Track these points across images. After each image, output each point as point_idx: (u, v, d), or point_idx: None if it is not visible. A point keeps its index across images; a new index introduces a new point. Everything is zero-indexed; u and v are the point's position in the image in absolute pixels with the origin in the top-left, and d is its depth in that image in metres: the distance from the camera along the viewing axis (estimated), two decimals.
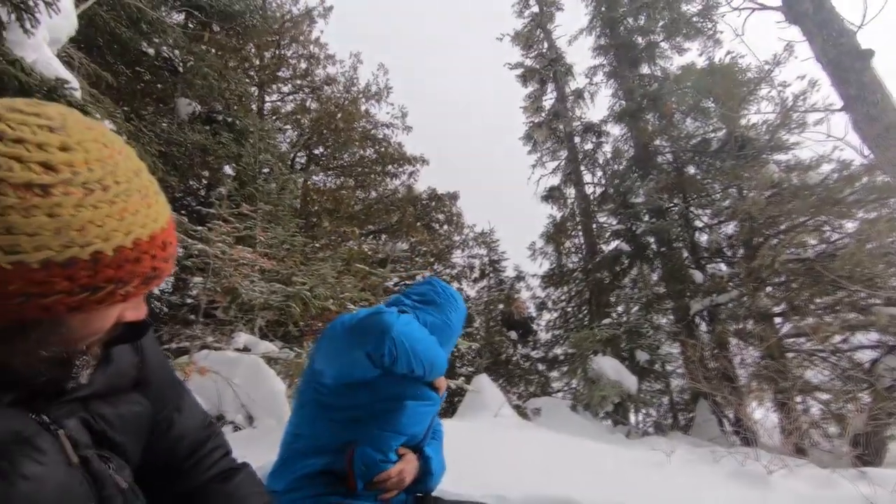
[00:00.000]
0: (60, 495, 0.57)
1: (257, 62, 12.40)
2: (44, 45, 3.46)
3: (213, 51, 8.93)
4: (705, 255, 10.16)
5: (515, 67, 13.51)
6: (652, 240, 10.67)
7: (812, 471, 3.70)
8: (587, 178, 12.83)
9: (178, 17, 8.25)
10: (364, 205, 14.22)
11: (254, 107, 11.67)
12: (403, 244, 13.66)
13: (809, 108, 8.24)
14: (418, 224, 13.94)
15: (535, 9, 13.59)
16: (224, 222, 5.57)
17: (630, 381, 8.15)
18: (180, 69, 7.88)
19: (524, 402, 9.01)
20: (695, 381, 6.46)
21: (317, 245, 9.01)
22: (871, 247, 6.60)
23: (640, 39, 12.11)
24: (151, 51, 7.39)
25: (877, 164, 6.17)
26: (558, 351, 12.08)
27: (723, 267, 9.99)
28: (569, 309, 12.83)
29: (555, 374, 11.84)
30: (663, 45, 11.97)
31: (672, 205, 10.38)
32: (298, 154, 13.61)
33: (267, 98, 13.05)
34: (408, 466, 1.40)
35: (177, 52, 7.70)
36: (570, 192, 12.99)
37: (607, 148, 12.78)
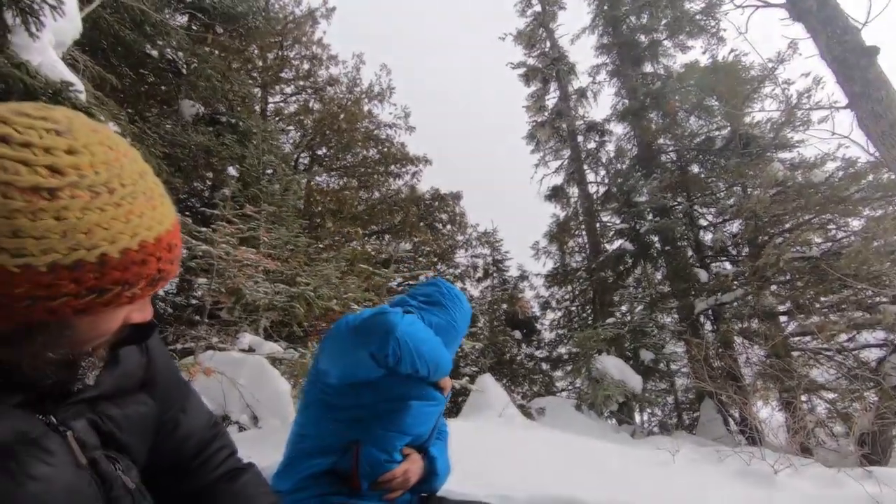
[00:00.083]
0: (69, 496, 0.57)
1: (260, 63, 12.43)
2: (49, 48, 3.48)
3: (217, 52, 8.96)
4: (710, 253, 10.12)
5: (518, 67, 13.51)
6: (656, 239, 10.63)
7: (818, 470, 3.68)
8: (590, 177, 12.82)
9: (182, 20, 8.29)
10: (367, 205, 14.24)
11: (257, 108, 11.71)
12: (407, 244, 13.66)
13: (814, 105, 8.20)
14: (421, 224, 13.94)
15: (538, 8, 13.57)
16: (228, 223, 5.59)
17: (634, 381, 8.13)
18: (184, 71, 7.91)
19: (528, 401, 8.99)
20: (700, 380, 6.43)
21: (320, 245, 9.02)
22: (877, 245, 6.55)
23: (642, 38, 12.07)
24: (155, 53, 7.42)
25: (882, 162, 6.12)
26: (562, 350, 12.07)
27: (727, 265, 9.95)
28: (573, 308, 12.81)
29: (559, 373, 11.82)
30: (666, 43, 11.92)
31: (676, 203, 10.34)
32: (302, 155, 13.63)
33: (270, 99, 13.08)
34: (413, 466, 1.40)
35: (180, 54, 7.73)
36: (574, 191, 12.98)
37: (610, 147, 12.77)
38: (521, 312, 12.39)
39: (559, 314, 12.96)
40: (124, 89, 6.88)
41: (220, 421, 0.97)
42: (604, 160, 12.86)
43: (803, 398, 7.05)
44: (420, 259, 13.49)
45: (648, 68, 12.16)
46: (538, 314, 13.02)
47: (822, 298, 7.55)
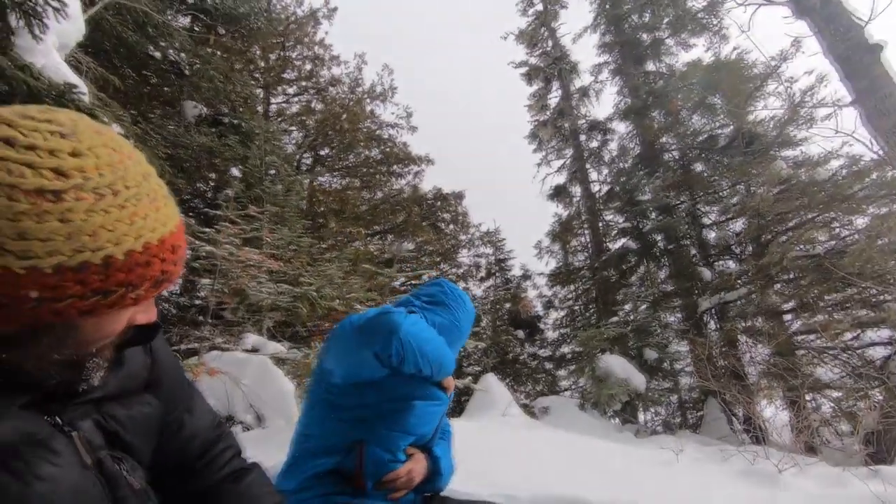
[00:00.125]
0: (75, 496, 0.57)
1: (262, 64, 12.45)
2: (52, 50, 3.50)
3: (219, 53, 8.98)
4: (713, 252, 10.09)
5: (520, 66, 13.50)
6: (659, 237, 10.61)
7: (823, 469, 3.67)
8: (593, 176, 12.80)
9: (184, 21, 8.31)
10: (370, 205, 14.25)
11: (259, 109, 11.73)
12: (409, 244, 13.67)
13: (818, 103, 8.17)
14: (424, 224, 13.94)
15: (539, 7, 13.56)
16: (231, 224, 5.61)
17: (638, 380, 8.11)
18: (186, 72, 7.93)
19: (532, 400, 8.99)
20: (704, 379, 6.41)
21: (323, 246, 9.03)
22: (882, 243, 6.52)
23: (645, 36, 12.04)
24: (158, 54, 7.44)
25: (887, 159, 6.10)
26: (566, 349, 12.05)
27: (731, 264, 9.92)
28: (576, 307, 12.79)
29: (562, 372, 11.81)
30: (669, 41, 11.89)
31: (679, 202, 10.31)
32: (304, 155, 13.65)
33: (272, 100, 13.10)
34: (417, 466, 1.40)
35: (183, 55, 7.75)
36: (576, 190, 12.96)
37: (613, 146, 12.74)
38: (524, 312, 12.39)
39: (562, 313, 12.95)
40: (127, 91, 6.90)
41: (225, 421, 0.97)
42: (606, 159, 12.84)
43: (808, 397, 7.02)
44: (423, 259, 13.50)
45: (651, 67, 12.12)
46: (541, 313, 13.01)
47: (827, 297, 7.52)
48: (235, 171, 7.17)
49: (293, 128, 13.50)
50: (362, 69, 13.85)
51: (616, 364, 8.13)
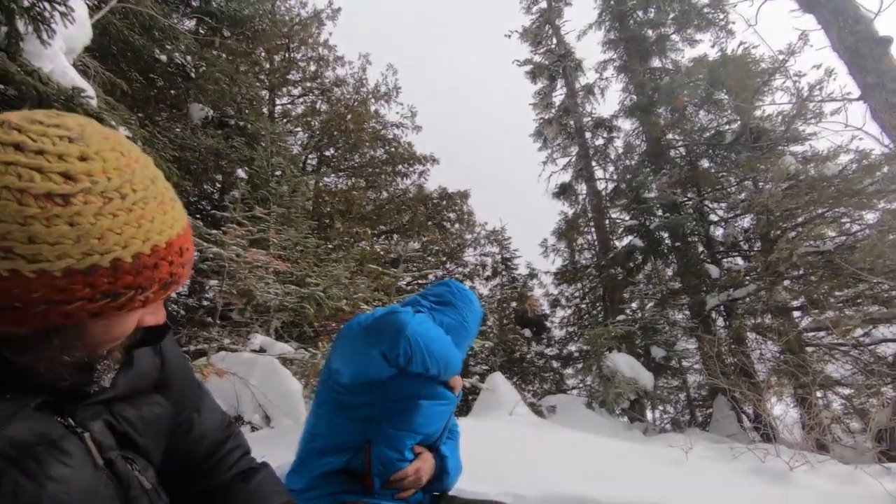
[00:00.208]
0: (86, 496, 0.58)
1: (267, 66, 12.51)
2: (60, 54, 3.53)
3: (224, 56, 9.04)
4: (721, 249, 10.03)
5: (524, 64, 13.45)
6: (666, 235, 10.55)
7: (834, 467, 3.63)
8: (599, 173, 12.74)
9: (190, 24, 8.37)
10: (375, 205, 14.28)
11: (265, 110, 11.79)
12: (415, 244, 13.68)
13: (826, 97, 8.09)
14: (430, 223, 13.95)
15: (543, 4, 13.51)
16: (238, 225, 5.64)
17: (646, 378, 8.07)
18: (192, 75, 7.99)
19: (539, 399, 8.97)
20: (712, 376, 6.37)
21: (329, 246, 9.06)
22: (893, 238, 6.45)
23: (650, 32, 11.97)
24: (164, 57, 7.50)
25: None
26: (573, 348, 12.01)
27: (739, 261, 9.85)
28: (582, 306, 12.75)
29: (569, 371, 11.78)
30: (674, 37, 11.82)
31: (686, 199, 10.25)
32: (310, 156, 13.70)
33: (277, 101, 13.17)
34: (424, 465, 1.40)
35: (189, 58, 7.81)
36: (582, 188, 12.90)
37: (619, 143, 12.69)
38: (531, 310, 12.35)
39: (569, 312, 12.92)
40: (134, 94, 6.96)
41: (234, 421, 0.98)
42: (612, 156, 12.78)
43: (818, 394, 6.96)
44: (429, 258, 13.51)
45: (656, 63, 12.06)
46: (548, 312, 12.97)
47: (837, 293, 7.45)
48: (242, 173, 7.21)
49: (298, 129, 13.56)
50: (366, 69, 13.91)
51: (623, 362, 8.10)
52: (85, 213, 0.47)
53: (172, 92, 8.40)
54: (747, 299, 8.59)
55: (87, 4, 4.21)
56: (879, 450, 4.80)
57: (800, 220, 8.12)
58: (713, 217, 10.37)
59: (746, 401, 7.03)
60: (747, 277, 8.77)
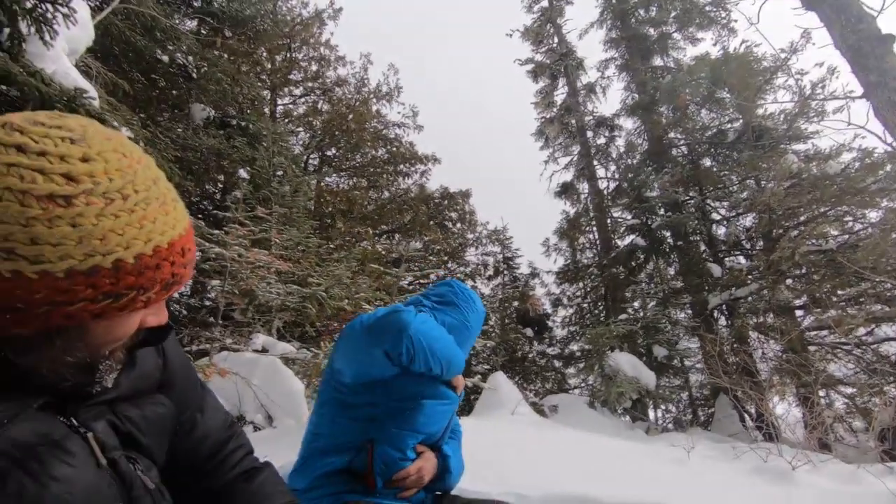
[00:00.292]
0: (90, 496, 0.58)
1: (269, 66, 12.52)
2: (62, 55, 3.54)
3: (226, 56, 9.05)
4: (723, 248, 10.01)
5: (526, 63, 13.43)
6: (668, 234, 10.53)
7: (837, 466, 3.62)
8: (600, 172, 12.72)
9: (191, 24, 8.38)
10: (377, 205, 14.28)
11: (266, 110, 11.80)
12: (417, 243, 13.68)
13: (828, 95, 8.06)
14: (431, 223, 13.95)
15: (545, 3, 13.49)
16: (240, 225, 5.65)
17: (648, 377, 8.06)
18: (194, 75, 8.00)
19: (541, 399, 8.96)
20: (714, 376, 6.36)
21: (331, 246, 9.07)
22: None
23: (651, 31, 11.95)
24: (166, 58, 7.52)
25: None
26: (574, 347, 12.00)
27: (741, 260, 9.84)
28: (584, 305, 12.73)
29: (571, 370, 11.77)
30: (676, 35, 11.79)
31: (688, 198, 10.23)
32: (311, 156, 13.71)
33: (279, 101, 13.17)
34: (426, 465, 1.40)
35: (190, 58, 7.83)
36: (584, 187, 12.89)
37: (620, 142, 12.66)
38: (533, 310, 12.34)
39: (571, 311, 12.90)
40: (136, 94, 6.98)
41: (236, 421, 0.98)
42: (614, 155, 12.76)
43: (821, 393, 6.95)
44: (430, 258, 13.51)
45: (658, 62, 12.03)
46: (549, 311, 12.96)
47: (840, 292, 7.43)
48: (243, 173, 7.23)
49: (300, 129, 13.57)
50: (368, 69, 13.90)
51: (625, 361, 8.09)
52: (87, 214, 0.48)
53: (174, 92, 8.42)
54: (749, 298, 8.57)
55: (89, 5, 4.22)
56: (882, 449, 4.79)
57: (802, 218, 8.11)
58: (715, 216, 10.34)
59: (749, 400, 7.02)
60: (749, 276, 8.76)
